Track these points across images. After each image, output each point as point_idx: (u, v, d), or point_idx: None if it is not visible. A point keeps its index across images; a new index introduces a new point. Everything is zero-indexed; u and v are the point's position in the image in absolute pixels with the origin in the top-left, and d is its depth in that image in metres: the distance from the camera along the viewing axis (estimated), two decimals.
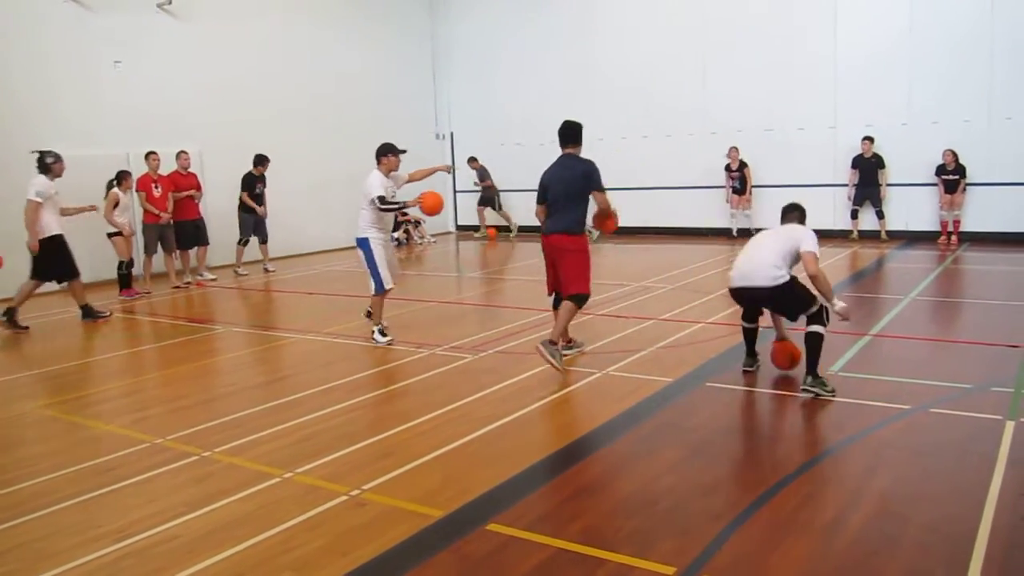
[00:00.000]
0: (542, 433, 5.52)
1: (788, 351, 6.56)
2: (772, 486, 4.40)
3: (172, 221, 12.88)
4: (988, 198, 14.57)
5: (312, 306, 11.21)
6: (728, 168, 16.60)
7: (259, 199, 14.15)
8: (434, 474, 4.81)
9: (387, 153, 8.21)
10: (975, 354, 7.21)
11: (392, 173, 8.25)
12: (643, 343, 7.79)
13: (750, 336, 6.66)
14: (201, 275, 13.56)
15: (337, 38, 17.78)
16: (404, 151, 8.29)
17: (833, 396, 5.87)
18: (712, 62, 16.95)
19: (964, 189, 14.53)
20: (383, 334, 8.26)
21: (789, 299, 6.14)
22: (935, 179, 14.77)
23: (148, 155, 12.63)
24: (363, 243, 8.20)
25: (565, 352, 7.20)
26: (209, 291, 12.62)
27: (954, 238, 14.62)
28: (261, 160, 14.15)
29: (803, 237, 6.14)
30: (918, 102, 14.98)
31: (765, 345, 6.79)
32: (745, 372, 6.63)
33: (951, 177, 14.54)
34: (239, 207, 14.13)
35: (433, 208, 8.34)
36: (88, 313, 10.28)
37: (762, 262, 6.16)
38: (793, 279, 6.12)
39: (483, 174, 19.10)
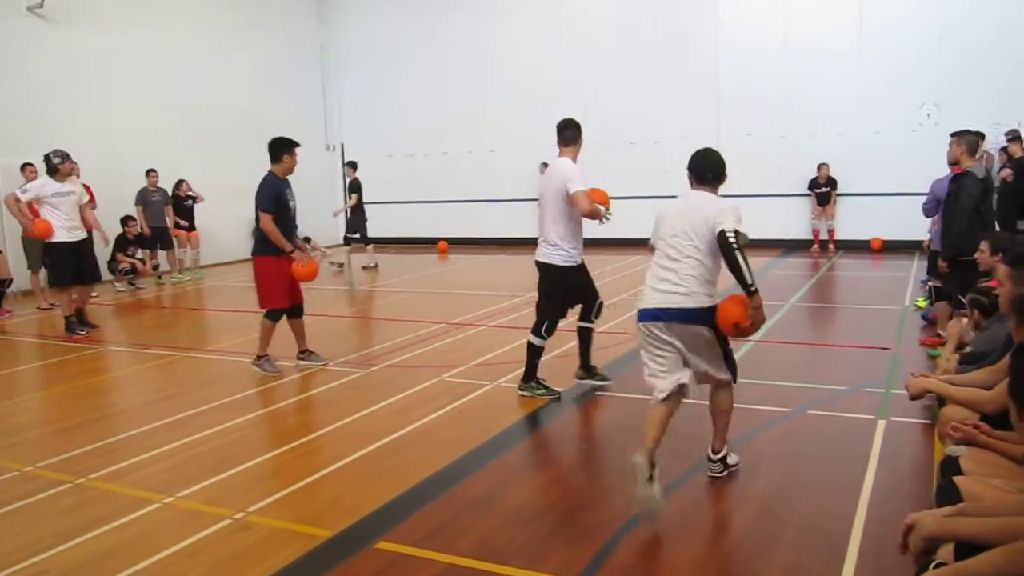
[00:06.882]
0: (432, 447, 5.44)
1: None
2: None
3: None
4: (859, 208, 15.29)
5: (197, 323, 10.84)
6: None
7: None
8: (322, 493, 4.70)
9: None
10: (849, 357, 7.54)
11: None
12: None
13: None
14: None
15: (218, 43, 17.16)
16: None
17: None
18: (602, 81, 17.12)
19: (835, 201, 15.24)
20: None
21: None
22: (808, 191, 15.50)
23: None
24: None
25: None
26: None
27: (831, 246, 15.27)
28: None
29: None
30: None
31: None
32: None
33: (823, 190, 15.27)
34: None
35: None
36: (70, 327, 9.67)
37: None
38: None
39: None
